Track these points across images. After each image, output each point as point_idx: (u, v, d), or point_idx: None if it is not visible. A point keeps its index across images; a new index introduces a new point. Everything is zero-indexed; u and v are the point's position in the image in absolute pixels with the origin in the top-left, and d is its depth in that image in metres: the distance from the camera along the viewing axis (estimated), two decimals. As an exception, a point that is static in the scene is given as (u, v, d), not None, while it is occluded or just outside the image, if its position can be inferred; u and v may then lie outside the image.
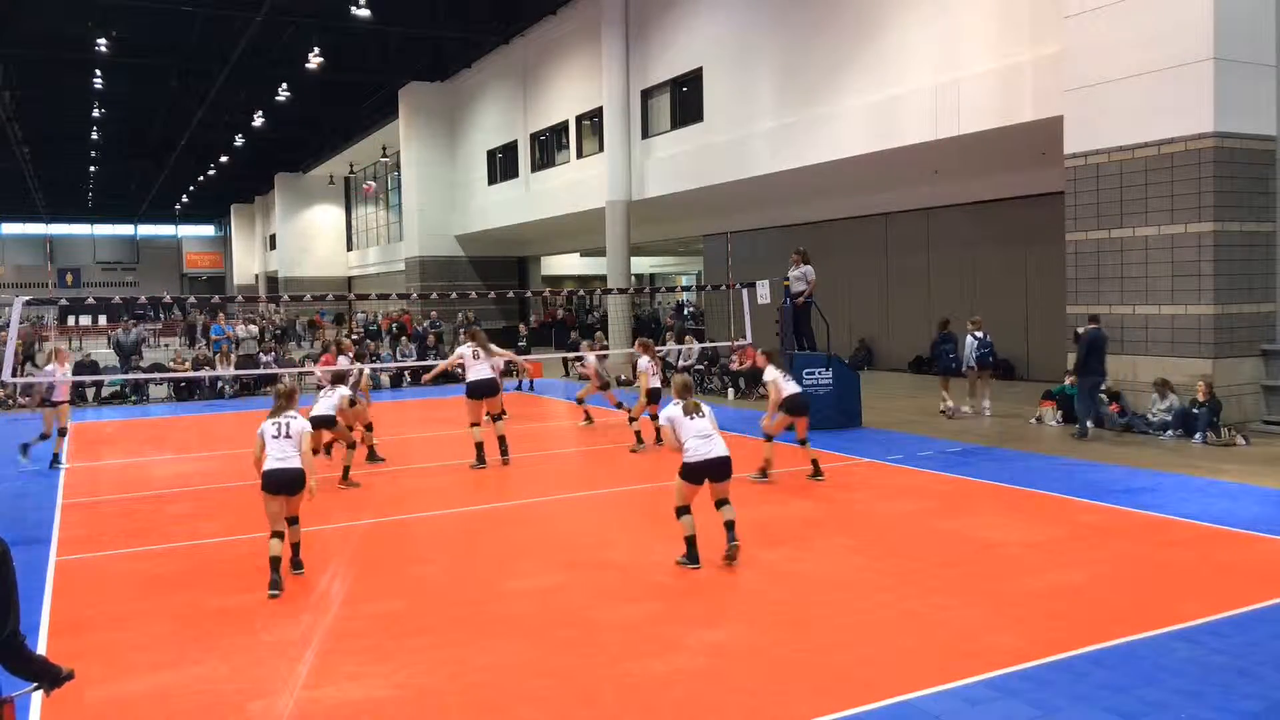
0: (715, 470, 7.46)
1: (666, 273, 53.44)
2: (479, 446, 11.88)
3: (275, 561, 7.13)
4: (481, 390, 11.92)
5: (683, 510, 7.46)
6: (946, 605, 6.32)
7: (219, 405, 20.43)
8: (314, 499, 7.53)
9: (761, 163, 21.31)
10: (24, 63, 33.09)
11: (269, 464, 7.28)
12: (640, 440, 13.08)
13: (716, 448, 7.49)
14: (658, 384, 13.30)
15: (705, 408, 7.72)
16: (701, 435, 7.49)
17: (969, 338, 15.68)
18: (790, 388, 10.55)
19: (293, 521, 7.47)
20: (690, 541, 7.40)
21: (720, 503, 7.55)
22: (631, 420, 13.27)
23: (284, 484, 7.27)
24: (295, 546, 7.52)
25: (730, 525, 7.44)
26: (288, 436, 7.34)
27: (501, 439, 12.10)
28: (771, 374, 10.56)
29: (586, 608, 6.52)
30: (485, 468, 11.78)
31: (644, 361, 13.50)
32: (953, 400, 15.48)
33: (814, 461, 10.60)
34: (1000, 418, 14.95)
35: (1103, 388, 13.45)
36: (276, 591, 6.97)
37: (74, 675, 3.70)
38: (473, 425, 11.93)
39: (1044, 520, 8.56)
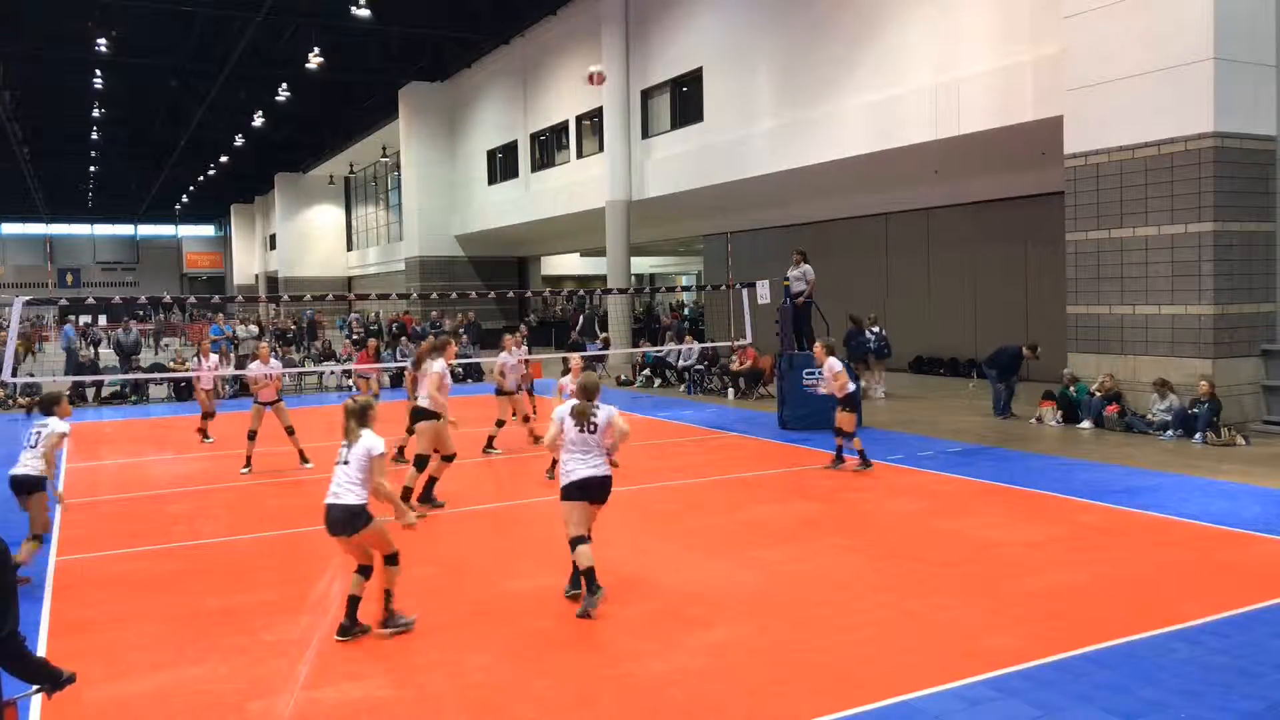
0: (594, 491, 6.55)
1: (666, 273, 53.43)
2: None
3: (352, 601, 6.03)
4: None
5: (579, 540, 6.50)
6: (946, 605, 6.32)
7: (219, 405, 20.39)
8: (413, 529, 6.39)
9: (761, 163, 21.31)
10: (24, 63, 33.09)
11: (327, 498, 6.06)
12: None
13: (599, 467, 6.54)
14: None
15: (600, 417, 6.55)
16: (583, 451, 6.52)
17: (867, 332, 17.38)
18: (853, 385, 11.31)
19: (390, 560, 6.07)
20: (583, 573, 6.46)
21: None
22: None
23: (332, 523, 6.00)
24: (385, 594, 6.04)
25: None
26: (345, 463, 6.03)
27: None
28: (837, 365, 11.14)
29: (586, 608, 6.51)
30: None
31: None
32: (865, 383, 17.52)
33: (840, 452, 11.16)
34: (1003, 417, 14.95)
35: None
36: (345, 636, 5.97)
37: (75, 678, 3.69)
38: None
39: (1044, 520, 8.56)
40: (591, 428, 6.48)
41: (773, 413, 15.10)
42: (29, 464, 7.53)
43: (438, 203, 37.47)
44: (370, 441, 6.06)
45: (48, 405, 7.97)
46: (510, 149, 33.53)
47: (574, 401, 6.63)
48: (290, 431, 12.40)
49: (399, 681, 5.34)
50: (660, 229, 30.45)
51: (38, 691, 3.65)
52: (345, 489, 5.95)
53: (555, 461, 7.78)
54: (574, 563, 6.49)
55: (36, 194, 63.56)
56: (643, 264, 47.34)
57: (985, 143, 16.92)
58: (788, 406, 14.41)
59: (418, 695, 5.17)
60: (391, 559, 6.08)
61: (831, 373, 11.13)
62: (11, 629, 3.42)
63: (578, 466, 6.50)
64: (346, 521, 5.93)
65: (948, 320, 22.00)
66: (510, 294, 36.98)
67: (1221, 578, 6.81)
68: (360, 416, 6.15)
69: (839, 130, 19.20)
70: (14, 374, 15.19)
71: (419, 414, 9.63)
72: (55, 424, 7.70)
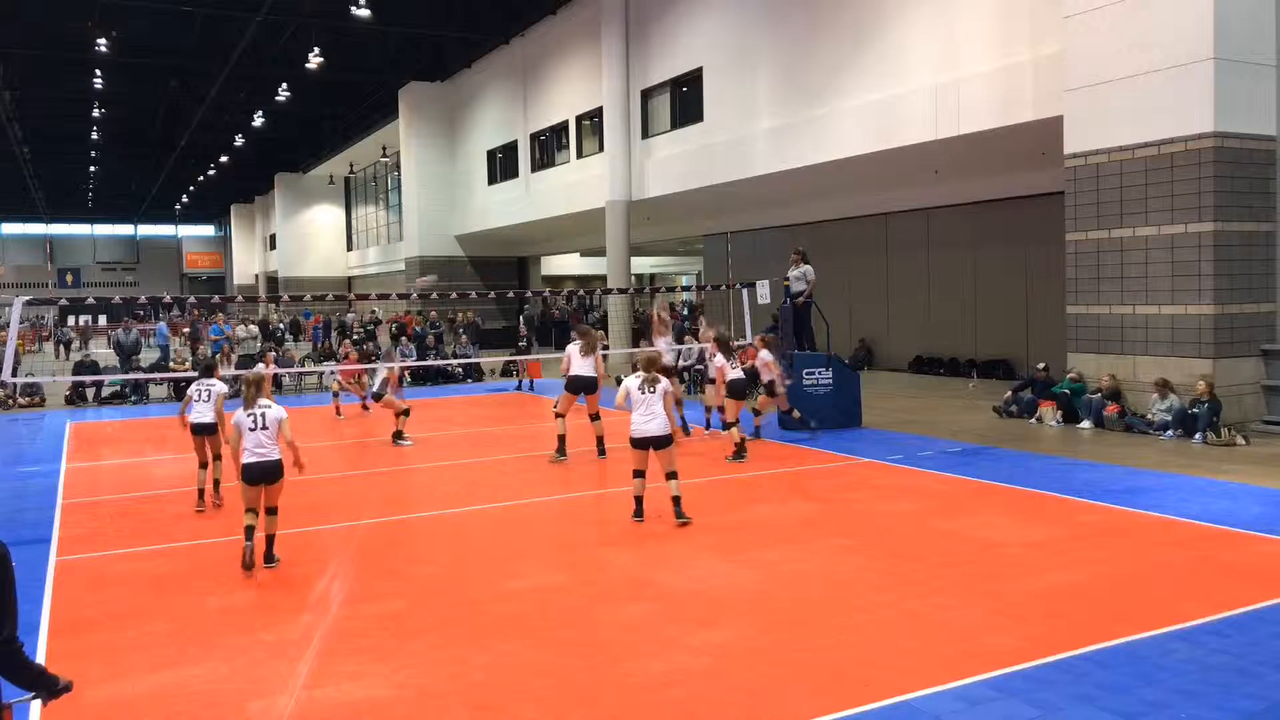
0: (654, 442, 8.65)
1: (666, 273, 53.42)
2: (561, 439, 12.27)
3: (249, 530, 7.55)
4: (580, 385, 12.43)
5: (637, 473, 8.75)
6: (946, 605, 6.32)
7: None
8: (304, 470, 7.89)
9: (761, 163, 21.31)
10: (24, 63, 33.10)
11: (246, 457, 7.53)
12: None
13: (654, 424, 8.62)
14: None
15: (662, 382, 8.75)
16: (644, 409, 8.65)
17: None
18: (735, 373, 12.22)
19: (270, 512, 7.69)
20: (637, 500, 8.75)
21: (669, 475, 8.67)
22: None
23: (263, 475, 7.56)
24: (270, 539, 7.68)
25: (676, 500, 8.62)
26: (264, 428, 7.58)
27: (599, 439, 12.50)
28: (720, 361, 12.30)
29: (586, 608, 6.52)
30: (565, 460, 12.13)
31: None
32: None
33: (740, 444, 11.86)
34: (999, 416, 14.96)
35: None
36: (249, 547, 7.50)
37: (71, 687, 3.67)
38: (558, 416, 12.29)
39: (1044, 520, 8.56)
40: (652, 389, 8.65)
41: (772, 413, 15.10)
42: (205, 414, 9.81)
43: (438, 203, 37.46)
44: (278, 410, 7.73)
45: (209, 370, 10.29)
46: (510, 149, 33.53)
47: (642, 374, 8.79)
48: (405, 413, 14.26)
49: (399, 681, 5.34)
50: (660, 229, 30.48)
51: (34, 698, 3.64)
52: (270, 448, 7.60)
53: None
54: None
55: (36, 194, 63.61)
56: (643, 264, 47.34)
57: (985, 143, 16.92)
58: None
59: (418, 695, 5.17)
60: (275, 510, 7.72)
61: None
62: (10, 634, 3.40)
63: (640, 423, 8.63)
64: (276, 472, 7.60)
65: (948, 320, 22.00)
66: (510, 294, 36.99)
67: (1221, 578, 6.80)
68: (258, 388, 7.78)
69: (839, 130, 19.20)
70: (14, 374, 15.17)
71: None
72: (219, 385, 9.92)
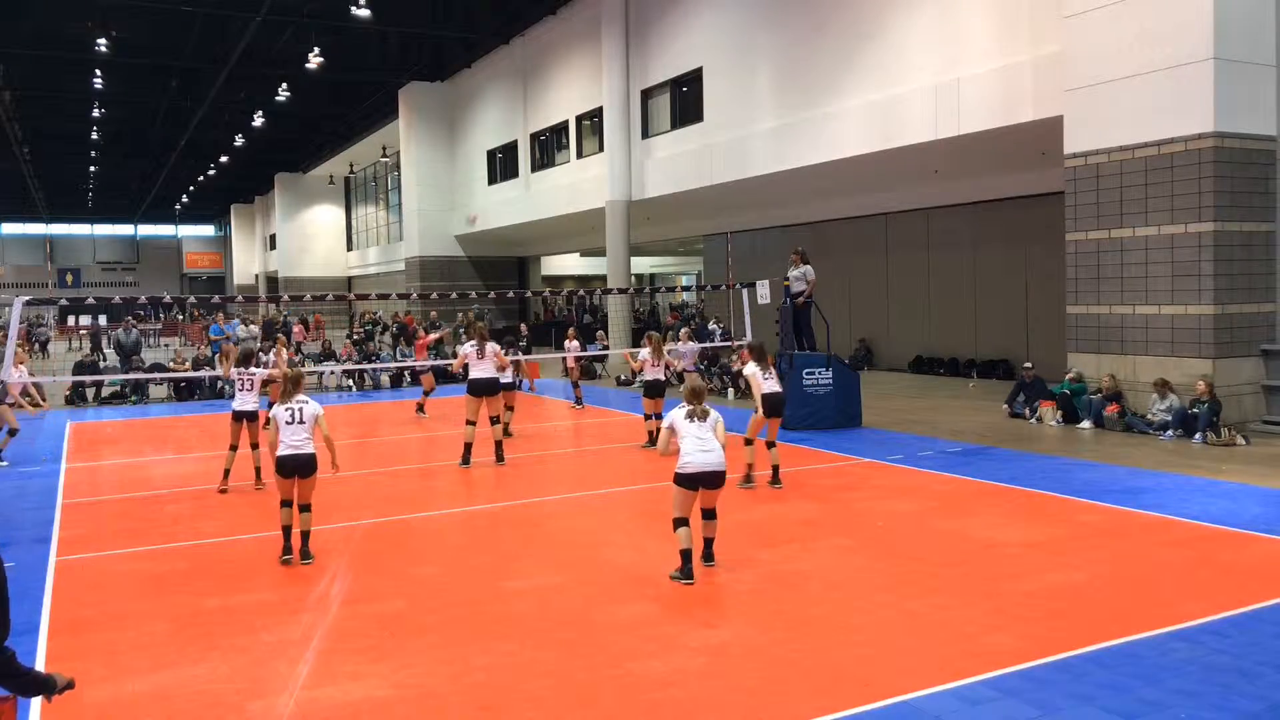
0: (709, 480, 7.17)
1: (666, 273, 53.43)
2: (467, 447, 11.91)
3: (287, 530, 7.76)
4: (479, 388, 11.95)
5: (680, 522, 7.18)
6: (946, 605, 6.32)
7: (219, 405, 20.42)
8: (338, 470, 8.15)
9: (761, 163, 21.31)
10: (24, 63, 33.10)
11: (282, 450, 7.71)
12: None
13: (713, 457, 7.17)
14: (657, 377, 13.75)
15: (712, 412, 7.42)
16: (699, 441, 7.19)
17: (711, 326, 19.17)
18: (769, 386, 10.40)
19: (304, 509, 7.80)
20: (685, 555, 7.08)
21: (707, 514, 7.35)
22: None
23: (297, 468, 7.73)
24: (305, 535, 7.81)
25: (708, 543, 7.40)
26: (300, 422, 7.78)
27: (498, 443, 12.13)
28: (751, 369, 10.48)
29: (586, 608, 6.52)
30: (469, 468, 11.79)
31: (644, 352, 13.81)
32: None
33: (775, 467, 10.39)
34: (1002, 417, 14.95)
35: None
36: (288, 557, 7.68)
37: (74, 684, 3.66)
38: (468, 423, 11.95)
39: (1044, 520, 8.56)
40: (703, 419, 7.28)
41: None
42: (247, 402, 10.72)
43: (438, 203, 37.47)
44: (315, 406, 7.95)
45: (246, 359, 11.18)
46: (510, 149, 33.53)
47: (688, 405, 7.40)
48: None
49: (399, 681, 5.34)
50: (660, 229, 30.48)
51: (38, 694, 3.65)
52: (306, 442, 7.76)
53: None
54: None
55: (36, 194, 63.57)
56: (643, 264, 47.37)
57: (985, 143, 16.92)
58: (788, 406, 14.31)
59: (418, 695, 5.17)
60: (308, 507, 7.85)
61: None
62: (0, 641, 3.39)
63: (694, 453, 7.14)
64: (310, 465, 7.75)
65: (948, 320, 22.00)
66: (510, 294, 36.98)
67: (1221, 578, 6.81)
68: (297, 384, 8.05)
69: (839, 130, 19.19)
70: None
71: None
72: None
